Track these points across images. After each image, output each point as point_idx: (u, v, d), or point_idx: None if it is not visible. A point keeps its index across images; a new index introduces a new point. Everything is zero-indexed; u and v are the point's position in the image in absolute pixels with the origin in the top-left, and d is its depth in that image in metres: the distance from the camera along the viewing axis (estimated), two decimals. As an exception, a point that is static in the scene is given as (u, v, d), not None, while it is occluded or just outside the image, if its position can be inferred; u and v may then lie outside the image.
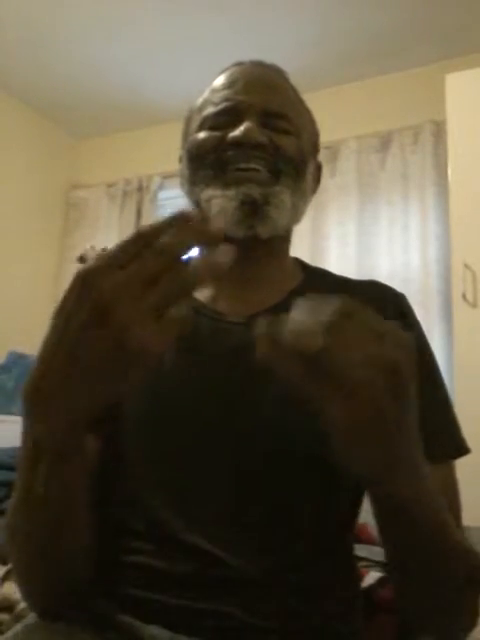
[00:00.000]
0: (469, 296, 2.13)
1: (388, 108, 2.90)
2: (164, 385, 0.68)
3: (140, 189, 3.45)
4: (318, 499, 0.66)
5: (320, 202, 2.86)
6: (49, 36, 2.86)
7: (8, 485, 1.48)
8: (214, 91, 0.77)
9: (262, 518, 0.64)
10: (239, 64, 0.80)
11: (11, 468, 1.58)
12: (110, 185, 3.53)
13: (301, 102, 0.81)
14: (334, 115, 2.82)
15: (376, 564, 1.03)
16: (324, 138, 0.83)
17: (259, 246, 0.73)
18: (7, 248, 3.27)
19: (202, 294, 0.75)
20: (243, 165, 0.70)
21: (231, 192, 0.69)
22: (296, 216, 0.76)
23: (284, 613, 0.62)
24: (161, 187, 3.41)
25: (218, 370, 0.68)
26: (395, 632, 0.80)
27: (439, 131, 2.70)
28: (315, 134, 0.82)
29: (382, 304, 0.71)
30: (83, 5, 2.66)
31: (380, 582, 0.89)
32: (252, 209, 0.69)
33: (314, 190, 0.82)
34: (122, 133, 3.59)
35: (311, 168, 0.79)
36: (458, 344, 2.13)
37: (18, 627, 0.65)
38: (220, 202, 0.69)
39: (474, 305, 2.11)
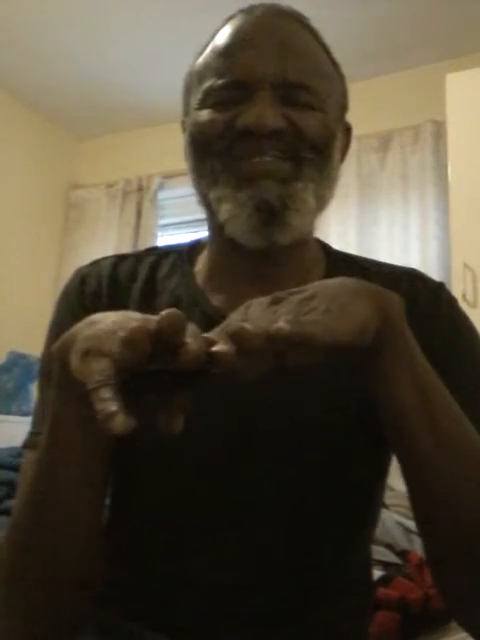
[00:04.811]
0: (469, 296, 2.12)
1: (388, 108, 2.90)
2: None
3: (140, 189, 3.44)
4: (343, 535, 0.63)
5: (320, 202, 2.86)
6: (49, 36, 2.86)
7: (8, 485, 1.48)
8: (217, 53, 0.62)
9: (283, 556, 0.61)
10: (247, 12, 0.64)
11: (11, 468, 1.58)
12: (110, 185, 3.53)
13: (327, 54, 0.67)
14: (334, 115, 2.81)
15: (377, 563, 1.03)
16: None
17: (278, 250, 0.62)
18: (7, 248, 3.26)
19: (217, 299, 0.65)
20: (257, 159, 0.59)
21: (243, 195, 0.58)
22: (322, 208, 0.64)
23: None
24: (161, 187, 3.40)
25: (231, 400, 0.60)
26: (396, 630, 0.80)
27: (439, 131, 2.70)
28: (344, 94, 0.69)
29: (413, 296, 0.64)
30: (83, 5, 2.66)
31: (381, 580, 0.89)
32: (269, 216, 0.59)
33: (342, 159, 0.69)
34: (122, 133, 3.59)
35: (338, 142, 0.66)
36: (458, 344, 2.13)
37: None
38: (231, 208, 0.59)
39: (474, 305, 2.11)
